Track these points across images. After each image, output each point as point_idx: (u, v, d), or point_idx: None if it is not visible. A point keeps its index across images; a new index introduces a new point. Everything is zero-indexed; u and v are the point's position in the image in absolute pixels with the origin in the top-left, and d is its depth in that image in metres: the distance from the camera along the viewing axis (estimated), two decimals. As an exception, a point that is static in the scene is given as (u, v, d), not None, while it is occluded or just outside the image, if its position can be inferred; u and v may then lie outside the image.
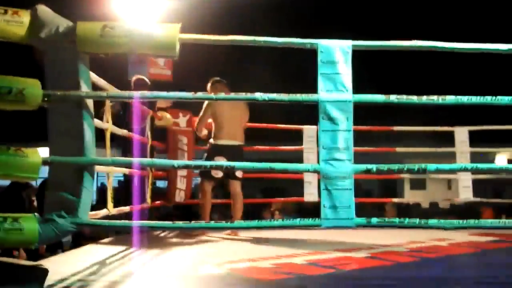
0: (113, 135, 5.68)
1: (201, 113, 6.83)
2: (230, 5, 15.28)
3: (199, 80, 7.18)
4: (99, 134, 4.70)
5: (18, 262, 4.04)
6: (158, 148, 7.95)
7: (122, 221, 4.82)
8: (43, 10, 4.03)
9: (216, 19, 15.20)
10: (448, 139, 8.97)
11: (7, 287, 3.38)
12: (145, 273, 4.20)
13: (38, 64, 4.04)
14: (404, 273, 4.28)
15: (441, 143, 9.34)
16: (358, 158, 4.02)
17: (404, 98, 4.10)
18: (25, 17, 3.95)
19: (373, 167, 4.03)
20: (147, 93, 4.90)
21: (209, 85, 6.90)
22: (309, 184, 8.60)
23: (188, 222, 4.27)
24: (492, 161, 16.17)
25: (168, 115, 7.66)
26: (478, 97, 4.14)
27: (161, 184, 10.79)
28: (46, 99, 3.91)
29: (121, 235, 6.46)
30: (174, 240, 6.29)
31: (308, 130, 8.71)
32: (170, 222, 4.39)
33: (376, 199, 12.11)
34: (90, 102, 4.18)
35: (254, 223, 4.29)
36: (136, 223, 5.03)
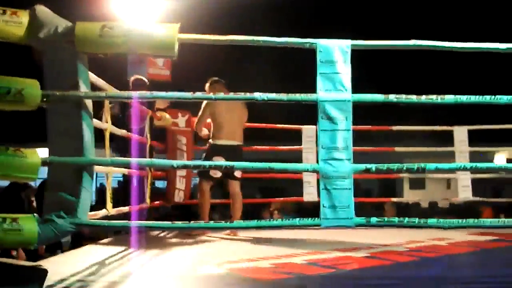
0: (112, 136, 5.68)
1: (200, 113, 6.83)
2: (229, 6, 15.27)
3: (198, 80, 7.18)
4: (98, 134, 4.70)
5: (18, 262, 4.04)
6: (157, 148, 7.95)
7: (121, 221, 4.82)
8: (42, 10, 4.02)
9: (214, 19, 15.21)
10: (447, 139, 8.97)
11: (7, 288, 3.39)
12: (144, 273, 4.20)
13: (37, 64, 4.04)
14: (403, 273, 4.28)
15: (440, 142, 9.34)
16: (357, 157, 4.02)
17: (403, 97, 4.10)
18: (24, 17, 3.95)
19: (372, 166, 4.03)
20: (146, 93, 4.90)
21: (207, 85, 6.91)
22: (308, 184, 8.59)
23: (187, 222, 4.27)
24: (491, 161, 16.16)
25: (167, 115, 7.65)
26: (477, 96, 4.14)
27: (160, 184, 10.79)
28: (45, 99, 3.90)
29: (120, 236, 6.47)
30: (173, 240, 6.29)
31: (307, 130, 8.70)
32: (169, 222, 4.39)
33: (375, 199, 12.12)
34: (89, 102, 4.18)
35: (253, 223, 4.28)
36: (135, 223, 5.02)
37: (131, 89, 6.98)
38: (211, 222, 6.04)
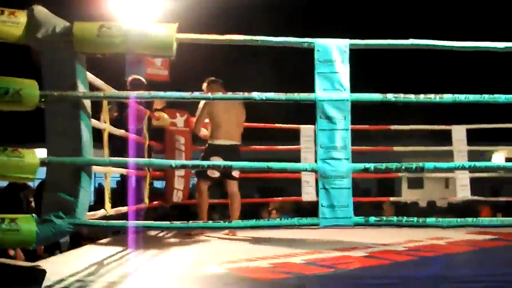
0: (110, 137, 5.67)
1: (197, 114, 6.83)
2: (226, 6, 15.28)
3: (196, 80, 7.18)
4: (97, 134, 4.70)
5: (16, 263, 4.03)
6: (155, 148, 7.95)
7: (120, 221, 4.82)
8: (40, 10, 4.02)
9: (212, 20, 15.20)
10: (446, 138, 8.97)
11: (5, 288, 3.38)
12: (143, 273, 4.20)
13: (35, 64, 4.03)
14: (402, 272, 4.29)
15: (438, 141, 9.34)
16: (356, 157, 4.02)
17: (401, 96, 4.10)
18: (21, 17, 3.95)
19: (371, 166, 4.03)
20: (144, 93, 4.89)
21: (205, 85, 6.91)
22: (306, 183, 8.60)
23: (185, 222, 4.27)
24: (490, 160, 16.18)
25: (165, 115, 7.65)
26: (476, 95, 4.14)
27: (158, 184, 10.79)
28: (43, 99, 3.90)
29: (119, 236, 6.46)
30: (172, 240, 6.29)
31: (306, 130, 8.70)
32: (168, 222, 4.38)
33: (374, 198, 12.12)
34: (87, 103, 4.17)
35: (252, 222, 4.28)
36: (133, 223, 5.02)
37: (129, 89, 6.99)
38: (210, 222, 6.04)
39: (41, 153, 3.92)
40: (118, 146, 6.53)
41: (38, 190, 7.82)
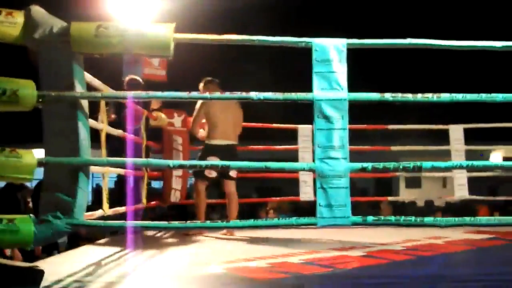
0: (107, 137, 5.67)
1: (194, 114, 6.83)
2: (223, 7, 15.28)
3: (194, 80, 7.18)
4: (94, 134, 4.69)
5: (14, 263, 4.02)
6: (153, 148, 7.94)
7: (118, 221, 4.81)
8: (37, 10, 4.02)
9: (209, 20, 15.19)
10: (443, 137, 8.98)
11: (3, 289, 3.38)
12: (141, 274, 4.20)
13: (32, 64, 4.03)
14: (400, 271, 4.29)
15: (436, 141, 9.35)
16: (353, 157, 4.02)
17: (399, 96, 4.10)
18: (19, 17, 3.95)
19: (369, 165, 4.03)
20: (141, 93, 4.89)
21: (201, 85, 6.93)
22: (304, 183, 8.60)
23: (183, 222, 4.27)
24: (487, 159, 16.19)
25: (163, 115, 7.64)
26: (473, 94, 4.14)
27: (156, 184, 10.79)
28: (40, 100, 3.90)
29: (117, 236, 6.46)
30: (170, 240, 6.29)
31: (303, 129, 8.70)
32: (166, 222, 4.38)
33: (372, 198, 12.13)
34: (85, 103, 4.17)
35: (250, 222, 4.28)
36: (131, 223, 5.01)
37: (126, 89, 6.99)
38: (208, 221, 6.04)
39: (38, 153, 3.92)
40: (116, 146, 6.52)
41: (36, 190, 7.83)
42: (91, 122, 4.55)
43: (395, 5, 18.60)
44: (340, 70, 4.02)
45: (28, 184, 7.42)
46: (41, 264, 3.98)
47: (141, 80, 7.36)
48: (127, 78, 7.32)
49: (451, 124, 8.91)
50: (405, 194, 17.35)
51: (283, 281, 3.88)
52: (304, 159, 8.55)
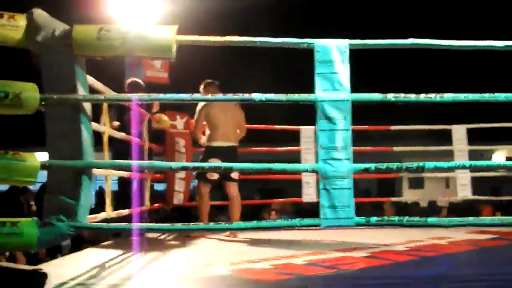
0: (110, 140, 5.67)
1: (195, 117, 6.85)
2: (225, 8, 15.28)
3: (196, 82, 7.18)
4: (97, 137, 4.69)
5: (18, 266, 4.03)
6: (156, 150, 7.94)
7: (121, 224, 4.81)
8: (39, 13, 4.02)
9: (211, 22, 15.22)
10: (446, 138, 8.97)
11: (7, 292, 3.38)
12: (144, 276, 4.20)
13: (35, 68, 4.03)
14: (403, 272, 4.29)
15: (439, 141, 9.34)
16: (356, 158, 4.01)
17: (401, 96, 4.10)
18: (21, 21, 3.95)
19: (372, 166, 4.03)
20: (144, 95, 4.89)
21: (201, 87, 6.93)
22: (307, 184, 8.59)
23: (186, 224, 4.27)
24: (490, 159, 16.18)
25: (165, 118, 7.64)
26: (476, 94, 4.14)
27: (159, 187, 10.77)
28: (43, 103, 3.90)
29: (120, 238, 6.47)
30: (173, 242, 6.29)
31: (306, 131, 8.70)
32: (169, 224, 4.38)
33: (375, 199, 12.11)
34: (87, 105, 4.17)
35: (253, 224, 4.28)
36: (135, 225, 5.01)
37: (127, 91, 6.97)
38: (211, 223, 6.03)
39: (41, 156, 3.92)
40: (119, 149, 6.53)
41: (39, 193, 7.83)
42: (94, 125, 4.55)
43: (397, 5, 18.59)
44: (343, 71, 4.02)
45: (30, 187, 7.42)
46: (45, 267, 3.98)
47: (142, 83, 7.36)
48: (128, 81, 7.32)
49: (453, 124, 8.91)
50: (408, 195, 17.31)
51: (287, 283, 3.88)
52: (307, 161, 8.55)
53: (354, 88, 4.01)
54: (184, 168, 6.27)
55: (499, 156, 17.35)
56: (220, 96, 5.11)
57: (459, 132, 8.85)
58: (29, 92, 3.84)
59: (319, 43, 4.06)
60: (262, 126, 8.73)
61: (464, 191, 8.80)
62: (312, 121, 4.09)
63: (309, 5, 19.30)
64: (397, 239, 5.72)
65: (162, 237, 6.67)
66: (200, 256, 5.29)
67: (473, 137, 8.91)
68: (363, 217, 3.96)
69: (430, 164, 4.06)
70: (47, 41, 3.97)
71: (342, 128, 3.94)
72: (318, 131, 3.97)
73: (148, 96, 4.54)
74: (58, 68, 4.01)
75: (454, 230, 5.96)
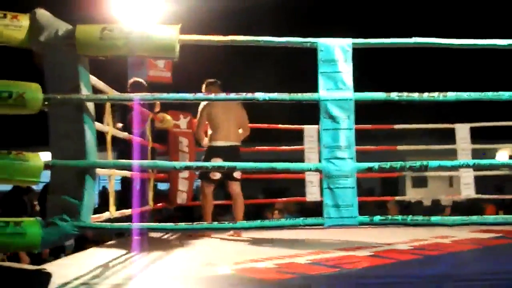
0: (113, 139, 5.67)
1: (198, 118, 6.85)
2: (228, 8, 15.28)
3: (199, 82, 7.19)
4: (100, 137, 4.70)
5: (22, 266, 4.03)
6: (159, 150, 7.94)
7: (125, 223, 4.82)
8: (42, 13, 4.02)
9: (214, 22, 15.22)
10: (450, 136, 8.97)
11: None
12: (148, 275, 4.20)
13: (37, 68, 4.03)
14: (407, 271, 4.28)
15: (442, 140, 9.34)
16: (359, 157, 4.01)
17: (404, 95, 4.09)
18: (24, 21, 3.95)
19: (375, 165, 4.02)
20: (147, 95, 4.89)
21: (203, 86, 6.94)
22: (311, 183, 8.60)
23: (190, 223, 4.27)
24: (493, 158, 16.17)
25: (168, 117, 7.64)
26: (479, 93, 4.13)
27: (163, 186, 10.79)
28: (46, 102, 3.90)
29: (123, 238, 6.47)
30: (177, 242, 6.29)
31: (309, 130, 8.71)
32: (172, 224, 4.38)
33: (378, 198, 12.11)
34: (90, 105, 4.17)
35: (257, 223, 4.27)
36: (138, 225, 5.02)
37: (129, 91, 6.97)
38: (215, 223, 6.04)
39: (45, 156, 3.92)
40: (123, 149, 6.54)
41: (43, 193, 7.84)
42: (97, 124, 4.55)
43: (400, 4, 18.58)
44: (346, 70, 4.01)
45: (34, 187, 7.43)
46: (48, 267, 3.99)
47: (144, 83, 7.36)
48: (130, 81, 7.32)
49: (457, 123, 8.91)
50: (411, 194, 17.31)
51: (290, 282, 3.88)
52: (310, 160, 8.55)
53: (357, 87, 4.00)
54: (187, 168, 6.26)
55: (502, 154, 17.34)
56: (223, 95, 5.11)
57: (462, 131, 8.85)
58: (33, 92, 3.84)
59: (322, 42, 4.06)
60: (266, 126, 8.73)
61: (467, 190, 8.81)
62: (315, 120, 4.08)
63: (312, 4, 19.29)
64: (400, 238, 5.72)
65: (166, 236, 6.68)
66: (203, 255, 5.29)
67: (477, 135, 8.91)
68: (367, 216, 3.95)
69: (434, 163, 4.06)
70: (50, 41, 3.97)
71: (346, 127, 3.94)
72: (321, 130, 3.97)
73: (151, 96, 4.54)
74: (61, 68, 4.01)
75: (458, 229, 5.96)
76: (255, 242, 6.09)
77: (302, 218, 4.16)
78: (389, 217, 4.09)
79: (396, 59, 15.24)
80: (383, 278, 3.98)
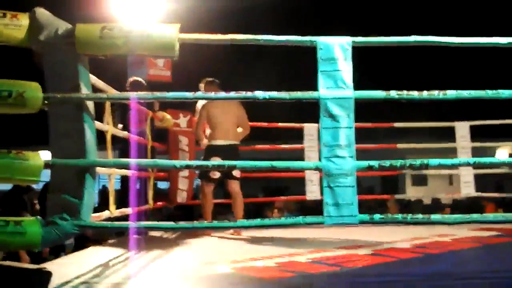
0: (113, 138, 5.67)
1: (197, 118, 6.86)
2: (228, 7, 15.29)
3: (199, 81, 7.19)
4: (100, 136, 4.70)
5: (22, 265, 4.03)
6: (159, 149, 7.94)
7: (125, 222, 4.82)
8: (42, 12, 4.02)
9: (214, 21, 15.21)
10: (449, 135, 8.97)
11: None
12: (148, 274, 4.20)
13: (37, 67, 4.03)
14: (407, 269, 4.29)
15: (442, 138, 9.34)
16: (359, 155, 4.01)
17: (404, 93, 4.08)
18: (24, 20, 3.95)
19: (375, 163, 4.01)
20: (147, 94, 4.89)
21: (202, 85, 6.95)
22: (311, 182, 8.61)
23: (190, 222, 4.27)
24: (493, 156, 16.17)
25: (168, 116, 7.64)
26: (479, 91, 4.13)
27: (163, 185, 10.79)
28: (46, 102, 3.90)
29: (123, 237, 6.47)
30: (177, 240, 6.29)
31: (309, 128, 8.71)
32: (172, 223, 4.38)
33: (378, 196, 12.10)
34: (90, 104, 4.17)
35: (257, 222, 4.26)
36: (138, 224, 5.02)
37: (128, 90, 6.97)
38: (215, 221, 6.04)
39: (45, 155, 3.92)
40: (122, 149, 6.54)
41: (43, 192, 7.84)
42: (97, 124, 4.55)
43: (400, 3, 18.58)
44: (346, 69, 4.01)
45: (34, 186, 7.43)
46: (49, 265, 3.99)
47: (144, 82, 7.35)
48: (130, 80, 7.32)
49: (457, 121, 8.90)
50: (411, 192, 17.31)
51: (291, 280, 3.88)
52: (310, 158, 8.55)
53: (357, 86, 4.00)
54: (187, 167, 6.25)
55: (502, 153, 17.34)
56: (223, 94, 5.11)
57: (462, 129, 8.85)
58: (33, 91, 3.84)
59: (322, 41, 4.05)
60: (266, 124, 8.74)
61: (467, 188, 8.81)
62: (315, 119, 4.08)
63: (312, 3, 19.29)
64: (401, 237, 5.73)
65: (165, 235, 6.68)
66: (203, 254, 5.29)
67: (477, 134, 8.91)
68: (367, 215, 3.95)
69: (434, 161, 4.06)
70: (50, 40, 3.96)
71: (346, 126, 3.93)
72: (321, 128, 3.96)
73: (151, 95, 4.54)
74: (61, 67, 4.01)
75: (458, 227, 5.95)
76: (255, 240, 6.09)
77: (302, 217, 4.15)
78: (389, 215, 4.10)
79: (395, 58, 15.24)
80: (384, 277, 3.98)
